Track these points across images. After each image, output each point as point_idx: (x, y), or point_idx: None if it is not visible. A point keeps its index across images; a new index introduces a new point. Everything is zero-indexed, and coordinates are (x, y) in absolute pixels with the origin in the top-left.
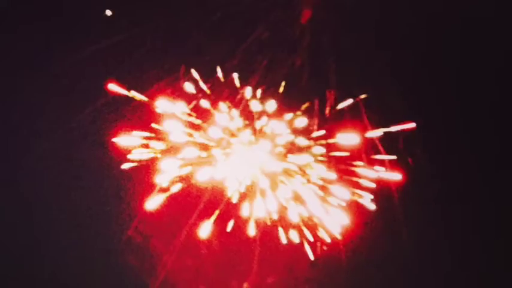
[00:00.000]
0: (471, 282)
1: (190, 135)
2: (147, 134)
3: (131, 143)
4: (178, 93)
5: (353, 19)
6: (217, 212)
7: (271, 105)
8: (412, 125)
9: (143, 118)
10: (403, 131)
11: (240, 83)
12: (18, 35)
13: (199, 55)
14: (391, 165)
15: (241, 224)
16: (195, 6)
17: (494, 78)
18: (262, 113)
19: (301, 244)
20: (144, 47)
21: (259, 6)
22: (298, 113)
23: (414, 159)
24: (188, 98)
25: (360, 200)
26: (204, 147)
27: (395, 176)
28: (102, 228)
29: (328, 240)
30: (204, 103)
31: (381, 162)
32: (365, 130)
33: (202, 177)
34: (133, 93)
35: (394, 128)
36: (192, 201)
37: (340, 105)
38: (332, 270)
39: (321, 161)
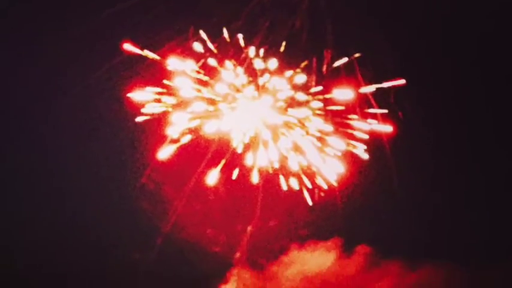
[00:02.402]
0: (458, 224)
1: (199, 90)
2: (159, 89)
3: (145, 97)
4: (188, 52)
5: None
6: (223, 161)
7: (273, 63)
8: (402, 81)
9: (156, 75)
10: (394, 86)
11: (245, 43)
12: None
13: (207, 17)
14: (383, 118)
15: (245, 172)
16: None
17: (483, 37)
18: (265, 70)
19: (301, 190)
20: (157, 9)
21: None
22: (298, 70)
23: (404, 112)
24: (197, 56)
25: (354, 150)
26: (212, 101)
27: (387, 128)
28: (117, 176)
29: (325, 187)
30: (212, 61)
31: (374, 116)
32: (359, 86)
33: (210, 129)
34: (146, 52)
35: (385, 84)
36: (201, 151)
37: (336, 63)
38: (329, 215)
39: (319, 115)
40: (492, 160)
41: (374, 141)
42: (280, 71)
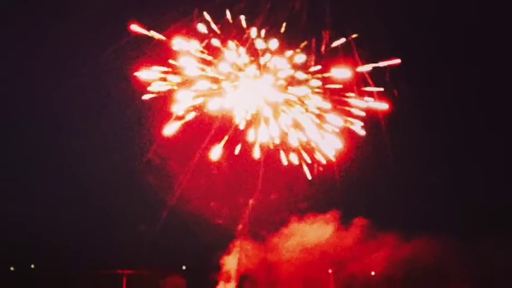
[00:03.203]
0: (451, 197)
1: (203, 69)
2: (165, 68)
3: (151, 76)
4: (192, 33)
5: None
6: (226, 137)
7: (274, 43)
8: (398, 60)
9: (161, 55)
10: (389, 66)
11: (247, 24)
12: None
13: None
14: (379, 96)
15: (247, 147)
16: None
17: (476, 18)
18: (266, 50)
19: (300, 165)
20: None
21: None
22: (298, 50)
23: (399, 90)
24: (201, 37)
25: (352, 127)
26: (215, 80)
27: (383, 106)
28: (125, 151)
29: (324, 161)
30: (215, 42)
31: (370, 94)
32: (356, 65)
33: (213, 106)
34: (152, 33)
35: (381, 64)
36: (204, 127)
37: (334, 44)
38: (327, 188)
39: (317, 93)
40: (484, 137)
41: (370, 118)
42: (280, 51)
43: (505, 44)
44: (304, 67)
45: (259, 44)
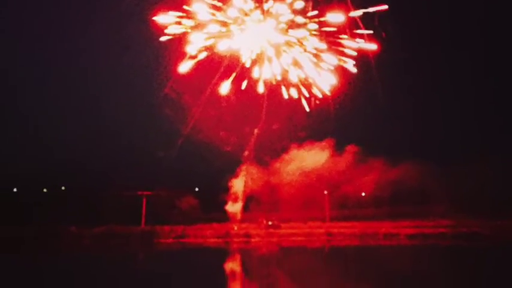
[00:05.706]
0: (433, 127)
1: (213, 14)
2: (180, 13)
3: (167, 20)
4: None
5: None
6: (234, 74)
7: None
8: (385, 6)
9: (177, 1)
10: (378, 11)
11: None
12: None
13: None
14: (369, 38)
15: (252, 83)
16: None
17: None
18: None
19: (299, 99)
20: None
21: None
22: None
23: (386, 33)
24: None
25: (345, 65)
26: (224, 24)
27: (372, 46)
28: (145, 86)
29: (320, 96)
30: None
31: (361, 36)
32: (348, 10)
33: (223, 47)
34: None
35: (371, 9)
36: (215, 65)
37: None
38: (323, 119)
39: (314, 35)
40: (464, 74)
41: (361, 57)
42: None
43: None
44: (302, 12)
45: None
